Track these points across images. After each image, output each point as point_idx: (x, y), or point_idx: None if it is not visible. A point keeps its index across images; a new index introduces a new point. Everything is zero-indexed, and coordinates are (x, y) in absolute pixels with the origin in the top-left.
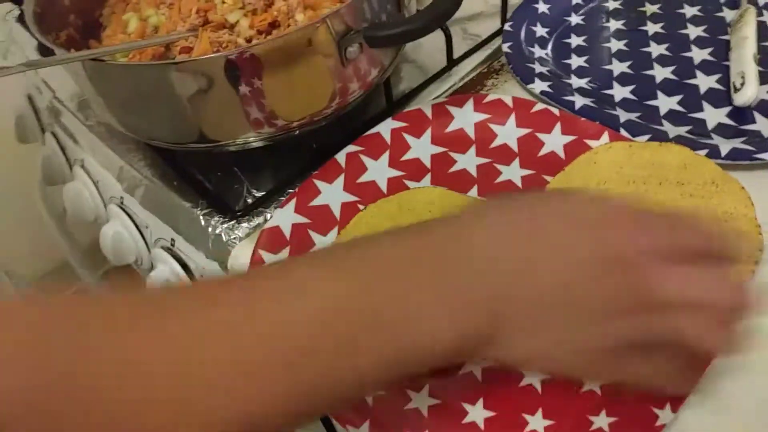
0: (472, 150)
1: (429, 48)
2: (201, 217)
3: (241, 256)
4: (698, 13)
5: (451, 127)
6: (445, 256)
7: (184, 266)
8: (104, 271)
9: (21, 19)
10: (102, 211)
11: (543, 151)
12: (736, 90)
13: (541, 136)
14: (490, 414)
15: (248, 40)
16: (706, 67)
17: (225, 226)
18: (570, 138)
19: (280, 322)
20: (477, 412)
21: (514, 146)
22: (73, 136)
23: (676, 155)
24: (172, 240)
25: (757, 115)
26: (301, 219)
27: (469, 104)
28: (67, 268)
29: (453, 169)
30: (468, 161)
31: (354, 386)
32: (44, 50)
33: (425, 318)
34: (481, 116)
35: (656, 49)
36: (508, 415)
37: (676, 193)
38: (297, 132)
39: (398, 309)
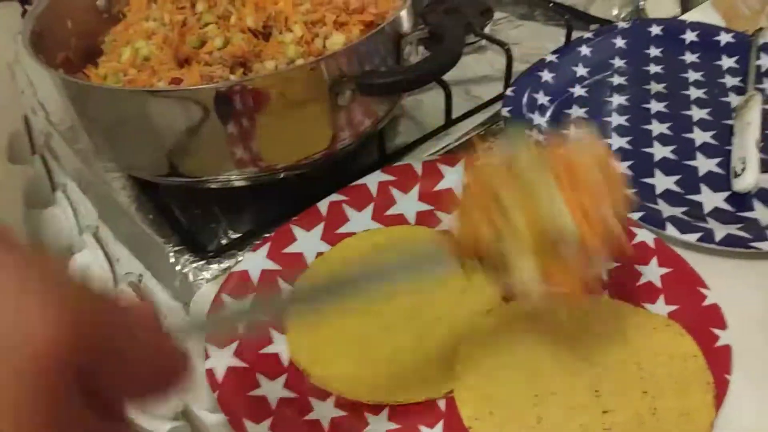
0: None
1: (429, 105)
2: (171, 254)
3: (205, 297)
4: (703, 96)
5: (440, 186)
6: None
7: None
8: None
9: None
10: (77, 240)
11: None
12: (737, 175)
13: None
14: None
15: (233, 70)
16: (708, 150)
17: (194, 265)
18: None
19: None
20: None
21: None
22: (60, 161)
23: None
24: (140, 276)
25: (756, 203)
26: (271, 265)
27: (461, 165)
28: None
29: (438, 228)
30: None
31: None
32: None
33: None
34: None
35: (657, 128)
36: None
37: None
38: (282, 175)
39: None
